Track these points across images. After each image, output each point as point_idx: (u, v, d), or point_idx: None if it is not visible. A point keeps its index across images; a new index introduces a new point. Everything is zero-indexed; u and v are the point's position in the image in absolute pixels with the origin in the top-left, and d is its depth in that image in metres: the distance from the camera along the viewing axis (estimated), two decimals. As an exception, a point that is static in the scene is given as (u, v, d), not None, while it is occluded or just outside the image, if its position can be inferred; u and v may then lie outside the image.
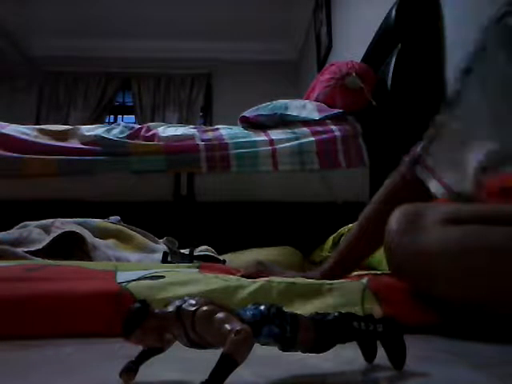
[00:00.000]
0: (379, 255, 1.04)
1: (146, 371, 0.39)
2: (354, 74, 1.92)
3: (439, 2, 1.61)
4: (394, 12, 1.76)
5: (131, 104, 4.87)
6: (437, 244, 0.58)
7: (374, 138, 1.88)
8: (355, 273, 0.99)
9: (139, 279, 0.71)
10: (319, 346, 0.41)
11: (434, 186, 0.77)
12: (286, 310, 0.40)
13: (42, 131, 2.03)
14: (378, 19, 1.93)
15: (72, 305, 0.63)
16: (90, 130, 2.06)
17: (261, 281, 0.74)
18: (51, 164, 1.86)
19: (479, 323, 0.62)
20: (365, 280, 0.76)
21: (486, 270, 0.55)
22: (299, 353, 0.41)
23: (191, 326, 0.36)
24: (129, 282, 0.69)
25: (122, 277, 0.72)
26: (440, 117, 0.74)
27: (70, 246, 1.25)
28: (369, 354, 0.45)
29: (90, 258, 1.20)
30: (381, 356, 0.44)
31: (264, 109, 2.22)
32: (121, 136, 2.01)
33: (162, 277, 0.73)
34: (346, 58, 2.23)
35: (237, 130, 2.10)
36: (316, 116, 1.99)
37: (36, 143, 1.92)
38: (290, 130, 1.98)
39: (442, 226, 0.59)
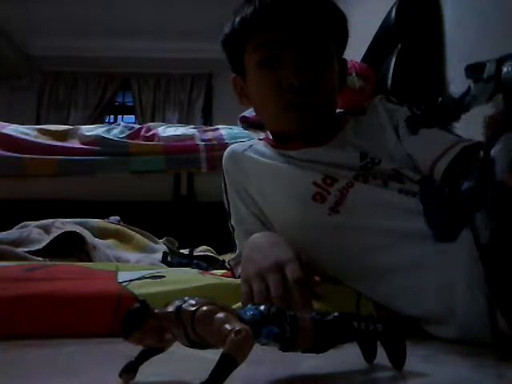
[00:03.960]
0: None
1: (146, 371, 0.39)
2: (353, 74, 1.92)
3: (439, 2, 1.61)
4: (393, 12, 1.76)
5: (131, 104, 4.87)
6: None
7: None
8: None
9: (140, 279, 0.71)
10: (319, 346, 0.41)
11: None
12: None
13: (41, 131, 2.03)
14: (378, 19, 1.93)
15: (72, 305, 0.63)
16: (90, 130, 2.06)
17: None
18: (51, 164, 1.86)
19: None
20: None
21: None
22: (299, 353, 0.41)
23: (191, 326, 0.36)
24: (129, 281, 0.69)
25: (122, 277, 0.72)
26: None
27: (69, 246, 1.25)
28: (369, 354, 0.45)
29: (89, 258, 1.20)
30: (381, 356, 0.44)
31: (264, 109, 2.21)
32: (121, 136, 2.01)
33: (163, 276, 0.73)
34: (346, 58, 2.23)
35: (237, 130, 2.10)
36: (316, 116, 1.99)
37: (36, 143, 1.92)
38: (289, 130, 1.98)
39: None
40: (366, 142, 0.81)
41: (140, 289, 0.66)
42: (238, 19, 0.85)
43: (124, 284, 0.68)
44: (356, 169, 0.77)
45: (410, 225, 0.66)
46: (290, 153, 0.84)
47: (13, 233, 1.27)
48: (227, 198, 0.90)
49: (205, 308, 0.36)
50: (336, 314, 0.42)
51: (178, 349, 0.40)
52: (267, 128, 0.92)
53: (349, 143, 0.82)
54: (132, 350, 0.40)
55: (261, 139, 0.95)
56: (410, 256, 0.65)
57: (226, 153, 0.93)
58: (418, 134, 0.78)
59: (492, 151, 0.43)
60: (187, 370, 0.44)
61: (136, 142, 1.98)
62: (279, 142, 0.88)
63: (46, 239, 1.23)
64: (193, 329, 0.36)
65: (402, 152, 0.79)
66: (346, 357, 0.46)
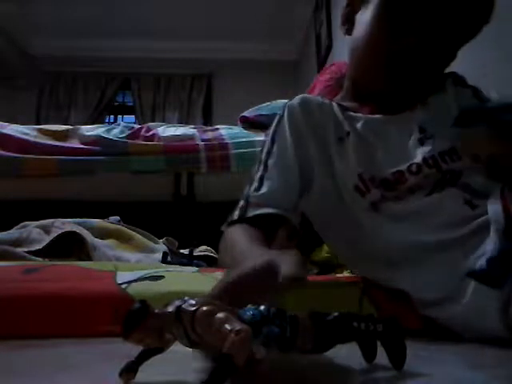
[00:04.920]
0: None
1: (146, 371, 0.39)
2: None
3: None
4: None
5: (131, 104, 4.87)
6: None
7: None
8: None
9: (139, 280, 0.71)
10: (319, 346, 0.41)
11: None
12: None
13: (41, 131, 2.03)
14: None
15: (71, 307, 0.63)
16: (90, 130, 2.06)
17: None
18: (51, 164, 1.86)
19: None
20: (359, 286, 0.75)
21: None
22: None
23: (191, 326, 0.36)
24: (128, 283, 0.69)
25: (121, 277, 0.72)
26: None
27: (69, 246, 1.25)
28: (369, 354, 0.45)
29: (89, 258, 1.20)
30: (381, 356, 0.44)
31: (264, 109, 2.22)
32: (121, 136, 2.01)
33: (162, 277, 0.73)
34: (346, 58, 2.23)
35: (237, 130, 2.10)
36: (316, 116, 1.99)
37: (36, 143, 1.92)
38: (290, 130, 1.98)
39: None
40: (430, 119, 0.78)
41: (139, 290, 0.66)
42: None
43: (123, 286, 0.68)
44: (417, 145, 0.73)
45: (449, 235, 0.65)
46: (357, 116, 0.79)
47: (13, 233, 1.27)
48: (273, 137, 0.80)
49: (205, 308, 0.36)
50: (336, 313, 0.42)
51: (178, 348, 0.40)
52: (351, 74, 0.87)
53: (414, 119, 0.78)
54: (132, 349, 0.40)
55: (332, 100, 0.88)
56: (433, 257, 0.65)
57: (297, 98, 0.85)
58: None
59: None
60: (187, 369, 0.44)
61: (136, 141, 1.98)
62: (355, 97, 0.83)
63: (46, 239, 1.23)
64: (193, 329, 0.36)
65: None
66: (346, 357, 0.46)
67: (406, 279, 0.67)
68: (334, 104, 0.84)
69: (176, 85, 4.81)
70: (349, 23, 0.85)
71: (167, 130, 2.10)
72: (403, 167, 0.72)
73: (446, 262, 0.64)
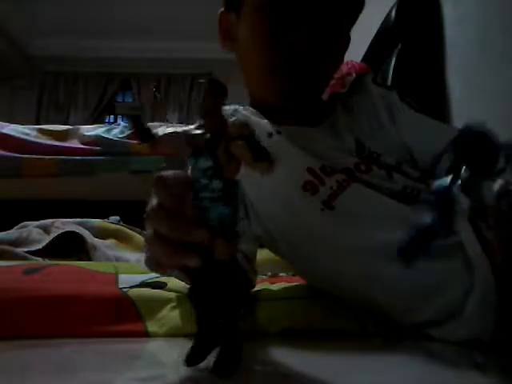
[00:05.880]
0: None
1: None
2: (353, 74, 1.91)
3: (439, 2, 1.61)
4: (393, 12, 1.76)
5: (131, 104, 4.87)
6: None
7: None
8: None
9: (140, 285, 0.70)
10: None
11: None
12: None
13: (41, 131, 2.03)
14: (378, 19, 1.93)
15: (72, 309, 0.63)
16: (90, 130, 2.06)
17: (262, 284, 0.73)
18: (51, 164, 1.87)
19: None
20: None
21: None
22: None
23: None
24: (130, 287, 0.68)
25: (123, 281, 0.71)
26: None
27: (70, 246, 1.25)
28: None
29: (89, 258, 1.20)
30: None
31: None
32: (121, 136, 2.01)
33: (164, 284, 0.72)
34: (345, 58, 2.22)
35: (237, 130, 2.10)
36: (316, 116, 1.99)
37: (36, 143, 1.92)
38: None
39: None
40: (360, 128, 0.72)
41: (140, 294, 0.66)
42: None
43: (124, 290, 0.67)
44: (354, 156, 0.67)
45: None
46: (279, 129, 0.70)
47: (13, 233, 1.27)
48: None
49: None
50: None
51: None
52: (250, 92, 0.78)
53: (343, 127, 0.72)
54: (132, 350, 0.40)
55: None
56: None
57: None
58: (416, 120, 0.73)
59: None
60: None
61: (136, 141, 1.98)
62: (265, 115, 0.73)
63: (46, 239, 1.23)
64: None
65: (398, 139, 0.71)
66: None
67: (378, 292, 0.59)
68: (250, 109, 0.77)
69: (176, 85, 4.82)
70: (229, 41, 0.77)
71: (167, 130, 2.10)
72: (350, 165, 0.65)
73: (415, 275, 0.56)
